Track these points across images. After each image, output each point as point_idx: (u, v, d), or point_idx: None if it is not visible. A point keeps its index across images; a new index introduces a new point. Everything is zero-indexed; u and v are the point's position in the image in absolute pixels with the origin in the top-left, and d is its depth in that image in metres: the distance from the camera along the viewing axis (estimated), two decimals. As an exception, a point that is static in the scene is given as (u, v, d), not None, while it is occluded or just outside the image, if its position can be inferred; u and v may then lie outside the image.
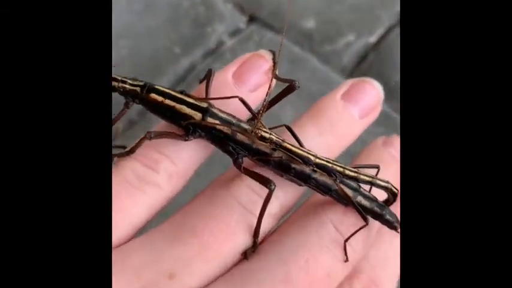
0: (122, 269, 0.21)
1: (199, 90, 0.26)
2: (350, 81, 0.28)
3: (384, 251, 0.26)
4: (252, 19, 0.64)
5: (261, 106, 0.25)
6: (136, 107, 0.60)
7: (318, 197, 0.25)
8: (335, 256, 0.23)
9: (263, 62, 0.26)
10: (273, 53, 0.27)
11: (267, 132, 0.24)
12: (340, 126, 0.27)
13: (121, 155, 0.24)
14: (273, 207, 0.24)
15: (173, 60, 0.61)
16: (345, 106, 0.27)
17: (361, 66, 0.60)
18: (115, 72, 0.25)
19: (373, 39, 0.62)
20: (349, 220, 0.24)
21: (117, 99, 0.25)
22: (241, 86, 0.26)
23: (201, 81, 0.28)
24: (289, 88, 0.26)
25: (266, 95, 0.24)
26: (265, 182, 0.23)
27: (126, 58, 0.61)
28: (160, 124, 0.26)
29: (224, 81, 0.26)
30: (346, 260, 0.23)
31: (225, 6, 0.65)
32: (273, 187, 0.23)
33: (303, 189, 0.26)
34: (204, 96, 0.26)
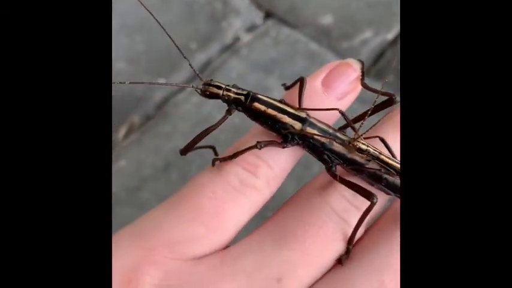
0: (233, 272, 0.23)
1: (289, 96, 0.28)
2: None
3: None
4: (268, 15, 0.64)
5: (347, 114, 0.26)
6: (153, 101, 0.59)
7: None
8: None
9: (351, 72, 0.27)
10: (362, 63, 0.28)
11: (365, 144, 0.25)
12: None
13: (224, 160, 0.26)
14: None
15: (189, 56, 0.60)
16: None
17: (379, 63, 0.60)
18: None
19: (390, 36, 0.61)
20: None
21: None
22: (330, 93, 0.27)
23: (287, 88, 0.30)
24: (389, 102, 0.26)
25: (368, 112, 0.25)
26: (367, 195, 0.24)
27: (142, 53, 0.61)
28: (255, 128, 0.27)
29: (313, 88, 0.27)
30: None
31: (241, 1, 0.65)
32: (375, 200, 0.24)
33: (389, 196, 0.27)
34: (297, 104, 0.27)
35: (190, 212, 0.24)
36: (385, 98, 0.26)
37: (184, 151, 0.27)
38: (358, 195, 0.25)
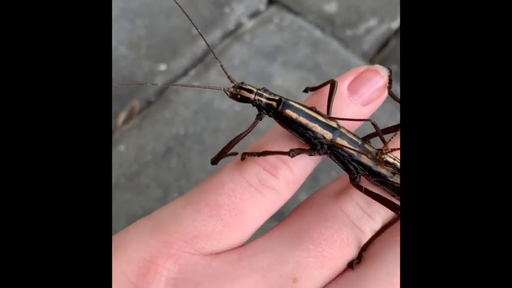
0: (250, 269, 0.24)
1: (317, 98, 0.28)
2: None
3: None
4: (271, 1, 0.63)
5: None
6: (153, 87, 0.59)
7: None
8: None
9: (379, 79, 0.27)
10: (390, 71, 0.28)
11: (392, 157, 0.25)
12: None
13: (251, 155, 0.26)
14: (376, 225, 0.26)
15: (191, 41, 0.60)
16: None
17: (383, 52, 0.59)
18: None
19: (395, 25, 0.61)
20: None
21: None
22: (356, 98, 0.27)
23: (312, 89, 0.29)
24: None
25: (400, 125, 0.24)
26: (393, 208, 0.24)
27: (143, 38, 0.60)
28: (279, 129, 0.27)
29: (339, 92, 0.27)
30: None
31: (245, -13, 0.64)
32: (400, 213, 0.24)
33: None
34: (326, 108, 0.27)
35: (209, 208, 0.24)
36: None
37: (215, 160, 0.27)
38: (371, 204, 0.25)
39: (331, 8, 0.62)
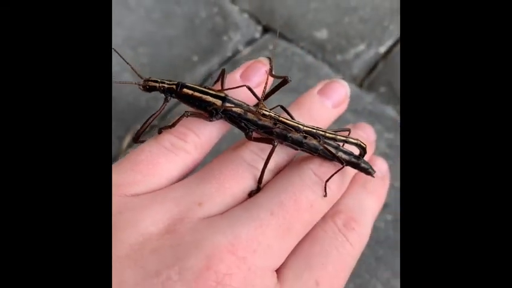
0: (163, 199, 0.29)
1: (215, 87, 0.34)
2: (324, 82, 0.36)
3: (359, 200, 0.34)
4: (266, 29, 0.67)
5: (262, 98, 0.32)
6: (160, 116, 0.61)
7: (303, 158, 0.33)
8: (315, 192, 0.31)
9: (262, 66, 0.34)
10: (269, 59, 0.35)
11: (267, 111, 0.31)
12: (317, 113, 0.35)
13: (165, 128, 0.32)
14: (271, 164, 0.32)
15: (191, 68, 0.63)
16: (320, 99, 0.36)
17: (371, 75, 0.63)
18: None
19: (382, 49, 0.64)
20: (326, 167, 0.32)
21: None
22: (247, 83, 0.33)
23: (215, 82, 0.36)
24: (283, 82, 0.33)
25: (264, 87, 0.31)
26: (269, 141, 0.31)
27: (146, 65, 0.64)
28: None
29: (234, 80, 0.34)
30: (325, 195, 0.31)
31: (241, 16, 0.68)
32: (276, 143, 0.30)
33: (294, 152, 0.33)
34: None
35: (131, 165, 0.30)
36: (281, 79, 0.33)
37: (136, 138, 0.33)
38: (265, 150, 0.31)
39: (322, 34, 0.66)
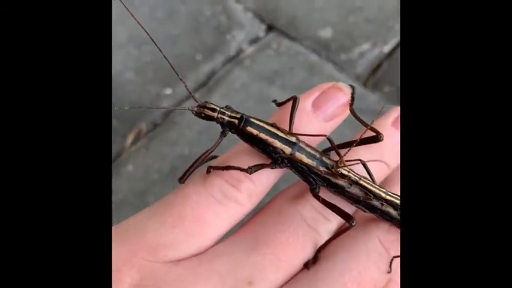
0: (207, 273, 0.24)
1: (280, 114, 0.29)
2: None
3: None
4: (270, 28, 0.67)
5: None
6: (159, 110, 0.62)
7: (363, 214, 0.28)
8: (380, 269, 0.26)
9: (341, 96, 0.28)
10: (352, 88, 0.29)
11: (346, 170, 0.27)
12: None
13: (217, 169, 0.27)
14: (332, 226, 0.27)
15: (194, 66, 0.63)
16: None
17: (376, 75, 0.62)
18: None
19: (387, 48, 0.64)
20: (393, 235, 0.27)
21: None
22: (319, 114, 0.28)
23: (279, 104, 0.30)
24: (374, 139, 0.27)
25: (353, 143, 0.26)
26: (347, 218, 0.26)
27: (149, 64, 0.64)
28: (240, 144, 0.29)
29: (303, 108, 0.28)
30: (389, 272, 0.27)
31: (245, 15, 0.68)
32: (354, 223, 0.26)
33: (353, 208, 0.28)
34: (287, 122, 0.28)
35: (173, 219, 0.26)
36: (372, 134, 0.27)
37: (183, 178, 0.27)
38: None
39: (326, 33, 0.66)
